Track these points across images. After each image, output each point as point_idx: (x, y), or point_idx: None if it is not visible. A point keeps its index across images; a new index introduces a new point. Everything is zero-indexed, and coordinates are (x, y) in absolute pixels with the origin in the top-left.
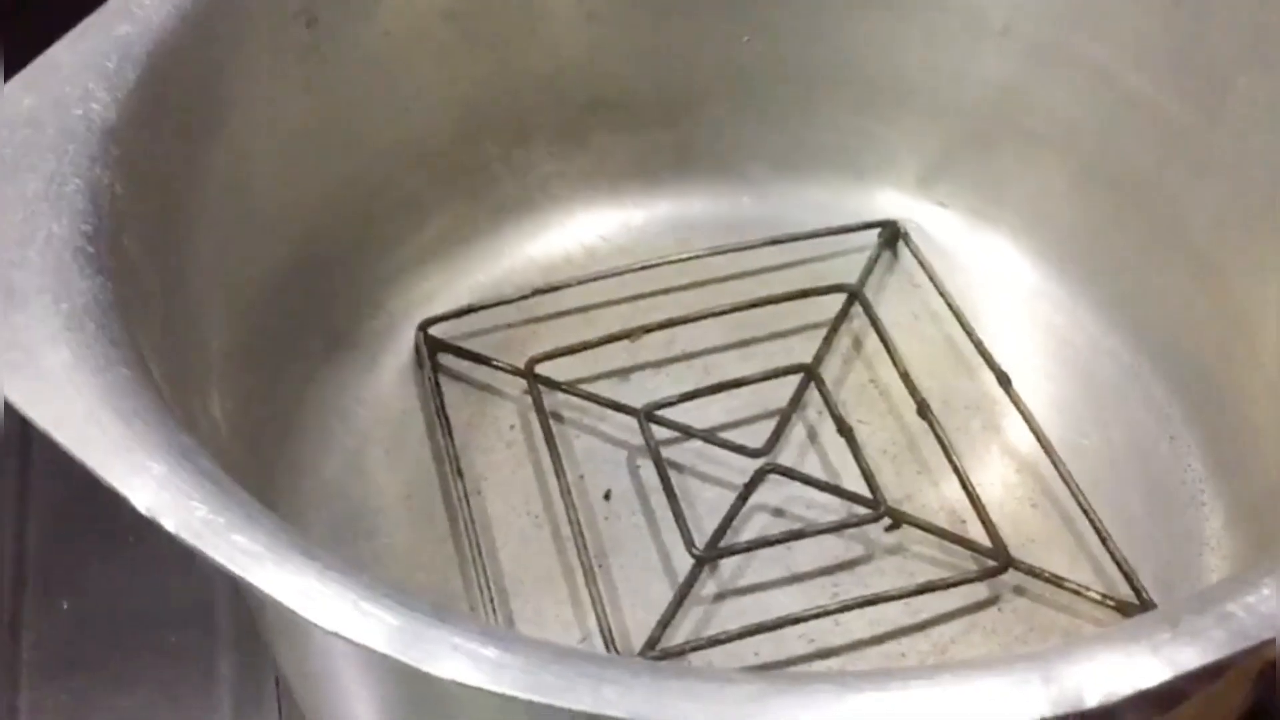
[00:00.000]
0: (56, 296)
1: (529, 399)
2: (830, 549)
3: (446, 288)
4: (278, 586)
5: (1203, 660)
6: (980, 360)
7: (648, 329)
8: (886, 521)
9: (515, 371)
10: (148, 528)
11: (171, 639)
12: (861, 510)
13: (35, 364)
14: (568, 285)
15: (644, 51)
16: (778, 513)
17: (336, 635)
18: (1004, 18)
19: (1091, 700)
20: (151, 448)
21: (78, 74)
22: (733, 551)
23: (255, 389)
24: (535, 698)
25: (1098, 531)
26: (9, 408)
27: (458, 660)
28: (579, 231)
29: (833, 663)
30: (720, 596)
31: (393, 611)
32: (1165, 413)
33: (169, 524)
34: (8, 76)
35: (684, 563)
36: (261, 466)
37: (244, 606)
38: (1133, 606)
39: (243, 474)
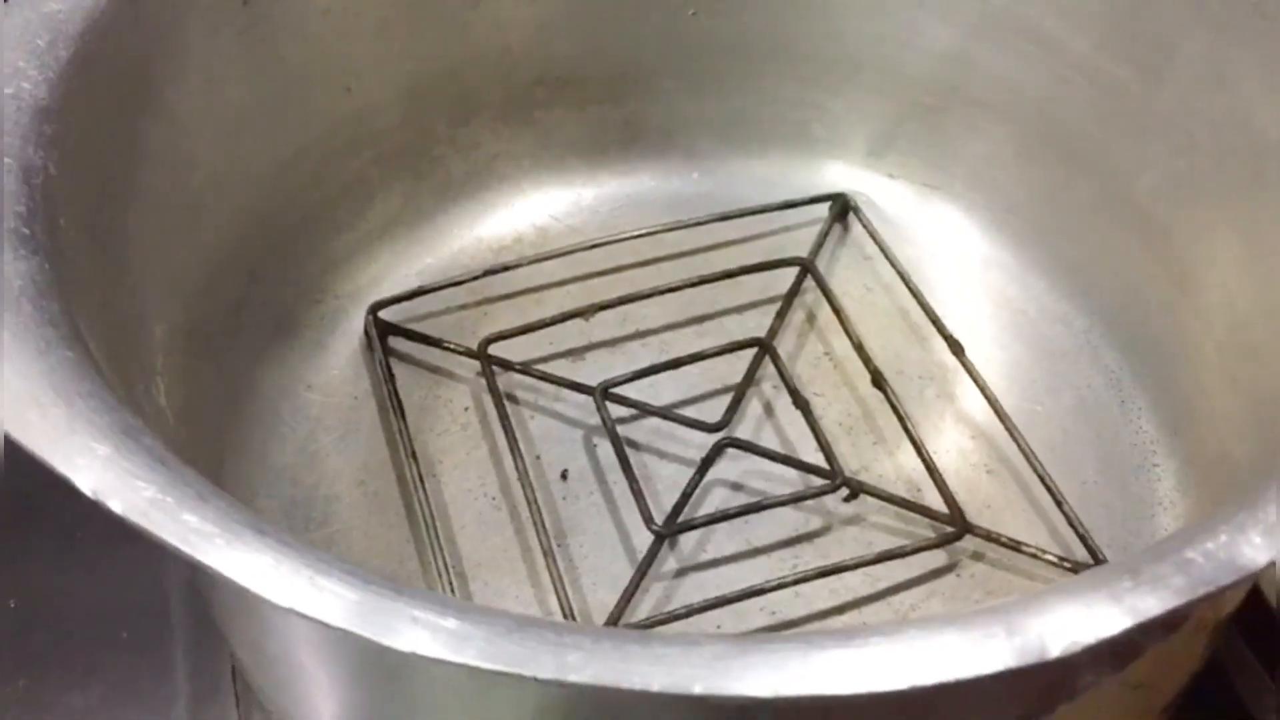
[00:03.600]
0: None
1: (483, 380)
2: (789, 521)
3: (395, 270)
4: (231, 565)
5: (1165, 607)
6: (933, 330)
7: (601, 307)
8: (844, 492)
9: (468, 353)
10: (96, 521)
11: (124, 634)
12: (819, 481)
13: None
14: (519, 265)
15: (590, 27)
16: (736, 487)
17: (292, 611)
18: None
19: (1055, 650)
20: (95, 429)
21: (7, 52)
22: (692, 526)
23: (201, 375)
24: (498, 667)
25: (1053, 496)
26: None
27: (418, 632)
28: (529, 210)
29: (794, 634)
30: (681, 572)
31: (350, 586)
32: (1116, 377)
33: (115, 505)
34: None
35: (644, 539)
36: (209, 454)
37: (198, 597)
38: (1089, 569)
39: (189, 462)
